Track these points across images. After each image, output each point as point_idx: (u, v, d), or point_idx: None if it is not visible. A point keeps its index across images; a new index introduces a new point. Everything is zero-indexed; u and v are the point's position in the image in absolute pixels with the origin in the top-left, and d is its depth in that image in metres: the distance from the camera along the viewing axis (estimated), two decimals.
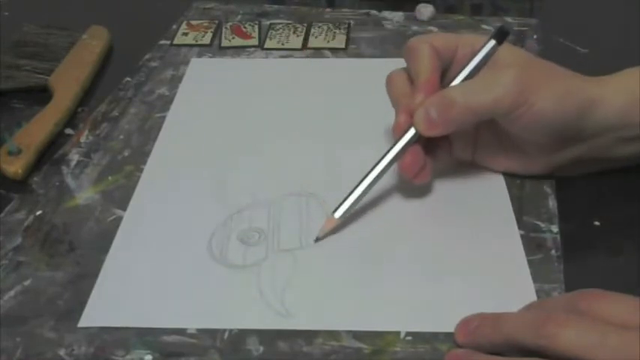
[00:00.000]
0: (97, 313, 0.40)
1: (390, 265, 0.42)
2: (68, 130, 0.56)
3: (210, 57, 0.66)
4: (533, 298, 0.40)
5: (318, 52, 0.66)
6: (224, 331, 0.38)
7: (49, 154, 0.53)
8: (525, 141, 0.45)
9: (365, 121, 0.55)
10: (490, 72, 0.45)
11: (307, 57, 0.65)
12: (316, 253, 0.43)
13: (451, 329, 0.38)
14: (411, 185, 0.47)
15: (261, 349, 0.37)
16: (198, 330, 0.38)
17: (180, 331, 0.38)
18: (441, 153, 0.47)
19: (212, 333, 0.38)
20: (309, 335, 0.38)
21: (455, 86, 0.45)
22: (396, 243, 0.44)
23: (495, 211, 0.46)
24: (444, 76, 0.47)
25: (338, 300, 0.40)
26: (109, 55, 0.68)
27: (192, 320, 0.39)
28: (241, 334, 0.38)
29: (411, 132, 0.45)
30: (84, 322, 0.40)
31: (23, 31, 0.69)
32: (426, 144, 0.46)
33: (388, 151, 0.45)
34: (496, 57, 0.45)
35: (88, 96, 0.61)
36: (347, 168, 0.50)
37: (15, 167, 0.50)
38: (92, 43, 0.67)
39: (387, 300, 0.40)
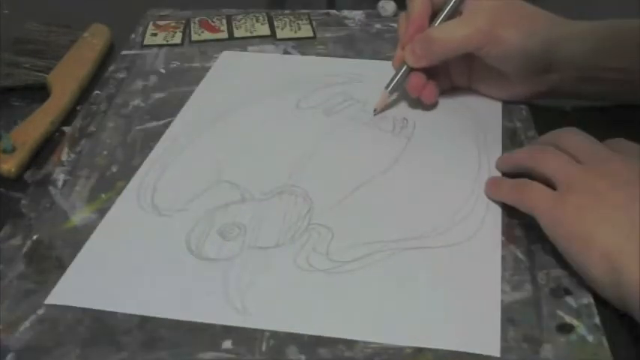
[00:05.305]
0: (64, 293, 0.41)
1: (358, 274, 0.42)
2: (67, 129, 0.55)
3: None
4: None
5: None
6: (261, 342, 0.38)
7: (46, 152, 0.53)
8: (503, 72, 0.54)
9: (363, 120, 0.56)
10: (468, 13, 0.53)
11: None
12: (288, 254, 0.43)
13: (424, 344, 0.37)
14: (402, 190, 0.48)
15: (303, 357, 0.37)
16: (234, 344, 0.38)
17: (216, 347, 0.37)
18: (442, 78, 0.57)
19: (249, 346, 0.37)
20: (349, 339, 0.38)
21: (436, 26, 0.54)
22: (365, 249, 0.43)
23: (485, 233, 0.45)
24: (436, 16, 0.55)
25: (300, 302, 0.40)
26: (110, 53, 0.67)
27: (150, 308, 0.39)
28: (279, 344, 0.38)
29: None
30: (51, 299, 0.40)
31: (24, 29, 0.68)
32: (429, 70, 0.55)
33: (393, 79, 0.55)
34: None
35: (86, 94, 0.60)
36: (343, 168, 0.50)
37: (8, 165, 0.50)
38: (93, 42, 0.66)
39: (348, 307, 0.40)
